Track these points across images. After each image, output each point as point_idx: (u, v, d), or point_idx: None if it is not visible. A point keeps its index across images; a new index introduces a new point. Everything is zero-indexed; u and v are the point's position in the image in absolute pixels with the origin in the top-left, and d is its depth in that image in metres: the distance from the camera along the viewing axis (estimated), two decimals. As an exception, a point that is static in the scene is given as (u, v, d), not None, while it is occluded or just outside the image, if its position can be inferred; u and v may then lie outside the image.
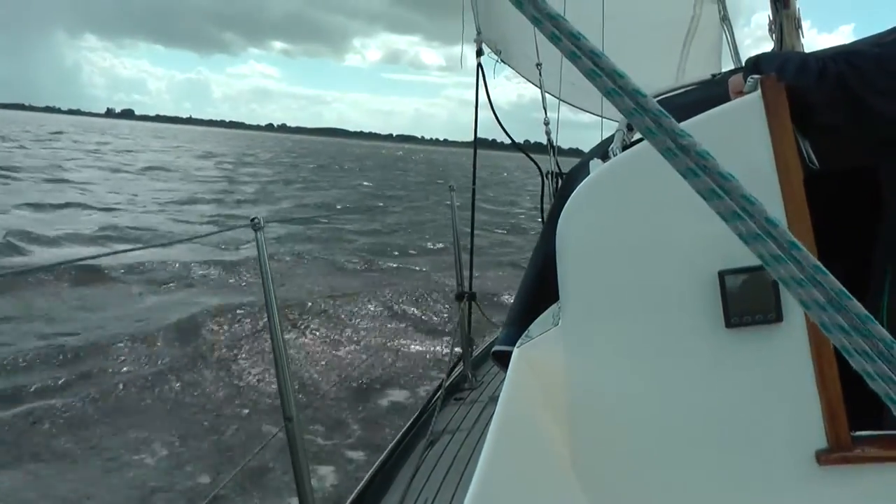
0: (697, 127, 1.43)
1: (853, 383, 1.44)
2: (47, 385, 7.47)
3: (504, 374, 1.68)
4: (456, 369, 5.24)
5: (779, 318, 1.45)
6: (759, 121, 1.46)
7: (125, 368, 8.13)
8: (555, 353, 1.62)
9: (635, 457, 1.59)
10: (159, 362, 8.34)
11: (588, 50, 0.65)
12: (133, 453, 6.26)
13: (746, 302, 1.46)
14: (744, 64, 1.75)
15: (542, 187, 4.66)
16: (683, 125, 0.62)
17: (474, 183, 5.19)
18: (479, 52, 4.97)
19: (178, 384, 7.74)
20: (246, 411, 7.22)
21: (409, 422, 4.45)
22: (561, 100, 5.20)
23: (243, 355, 8.63)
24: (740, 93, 1.58)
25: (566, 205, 1.58)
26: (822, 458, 1.44)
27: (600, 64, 0.64)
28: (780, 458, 1.48)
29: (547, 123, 5.11)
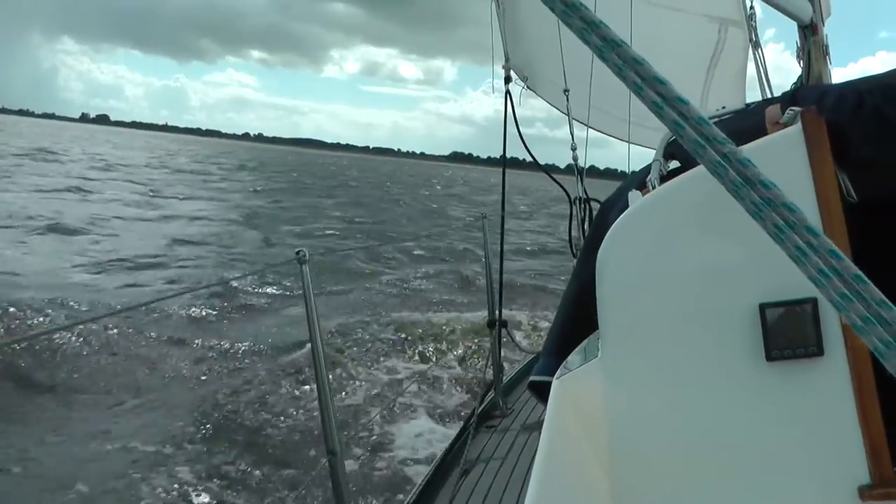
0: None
1: (893, 418, 1.42)
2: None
3: (538, 403, 1.68)
4: (487, 397, 5.25)
5: (820, 351, 1.43)
6: (800, 154, 1.46)
7: (171, 399, 8.29)
8: (595, 386, 1.62)
9: (676, 492, 1.57)
10: (198, 389, 8.47)
11: (630, 58, 0.66)
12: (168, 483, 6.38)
13: (787, 335, 1.44)
14: (779, 95, 1.74)
15: (570, 213, 4.64)
16: None
17: (503, 210, 5.20)
18: (508, 79, 5.00)
19: (218, 414, 7.87)
20: (290, 440, 7.36)
21: (443, 451, 4.45)
22: (589, 126, 5.20)
23: (286, 387, 8.72)
24: (777, 124, 1.58)
25: (606, 236, 1.58)
26: (865, 493, 1.41)
27: (643, 73, 0.65)
28: (822, 494, 1.46)
29: (574, 149, 5.09)
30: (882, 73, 1.77)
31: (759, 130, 1.57)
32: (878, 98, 1.58)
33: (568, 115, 4.99)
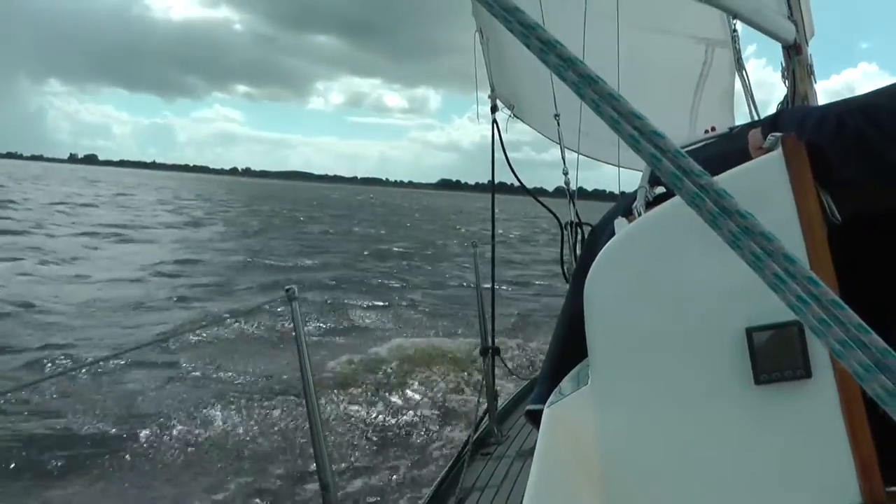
0: (722, 184, 1.45)
1: (884, 438, 1.43)
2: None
3: (533, 429, 1.68)
4: (482, 424, 5.24)
5: (807, 374, 1.44)
6: (782, 179, 1.48)
7: (163, 432, 8.23)
8: (585, 413, 1.63)
9: None
10: (193, 425, 8.43)
11: (607, 93, 0.68)
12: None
13: (774, 358, 1.45)
14: (761, 118, 1.76)
15: (561, 238, 4.65)
16: None
17: (493, 237, 5.22)
18: (494, 109, 5.04)
19: (213, 449, 7.82)
20: (283, 474, 7.29)
21: (438, 480, 4.44)
22: (579, 153, 5.23)
23: (278, 420, 8.68)
24: (760, 149, 1.60)
25: (592, 265, 1.60)
26: None
27: (619, 108, 0.66)
28: None
29: (566, 173, 5.12)
30: (863, 94, 1.80)
31: (742, 154, 1.60)
32: (859, 119, 1.60)
33: (559, 140, 5.02)
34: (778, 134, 1.52)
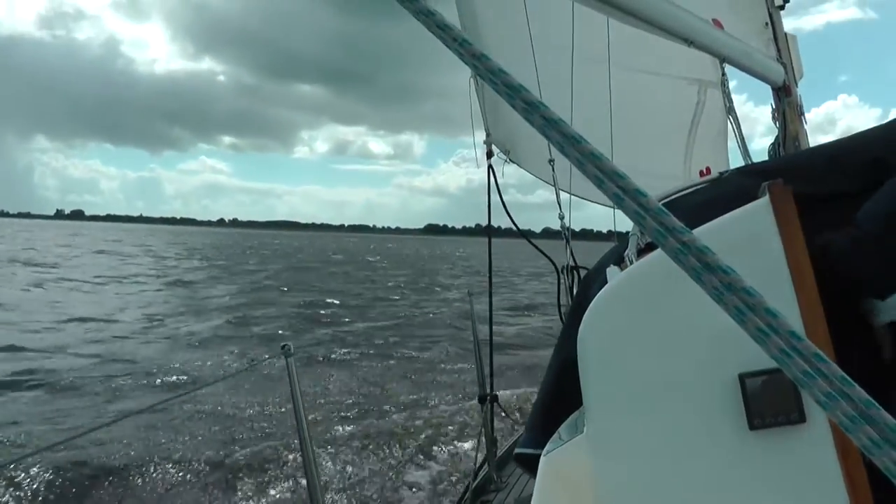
0: (710, 233, 1.47)
1: (880, 482, 1.43)
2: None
3: (528, 475, 1.69)
4: (481, 471, 5.21)
5: (802, 418, 1.44)
6: (770, 226, 1.50)
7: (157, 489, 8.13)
8: (582, 461, 1.62)
9: None
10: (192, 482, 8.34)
11: (589, 153, 0.69)
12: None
13: (768, 403, 1.45)
14: (750, 164, 1.78)
15: (558, 282, 4.65)
16: (697, 231, 0.65)
17: (490, 286, 5.23)
18: (490, 154, 5.07)
19: None
20: None
21: None
22: (573, 194, 5.26)
23: (274, 481, 8.60)
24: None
25: (586, 314, 1.61)
26: None
27: (602, 167, 0.68)
28: None
29: (562, 217, 5.13)
30: (848, 137, 1.83)
31: (732, 199, 1.61)
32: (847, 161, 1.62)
33: (554, 185, 5.03)
34: (766, 183, 1.55)
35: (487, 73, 0.75)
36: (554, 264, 4.75)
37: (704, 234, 1.48)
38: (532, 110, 0.72)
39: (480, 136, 5.10)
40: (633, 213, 0.67)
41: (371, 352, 17.27)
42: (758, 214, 1.51)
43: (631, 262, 1.81)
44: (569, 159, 0.72)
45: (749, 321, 0.65)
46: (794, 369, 0.64)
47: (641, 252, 1.87)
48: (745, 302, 0.64)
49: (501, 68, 0.74)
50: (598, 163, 0.68)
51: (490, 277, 5.21)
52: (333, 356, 16.35)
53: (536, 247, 5.04)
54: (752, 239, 1.50)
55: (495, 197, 4.81)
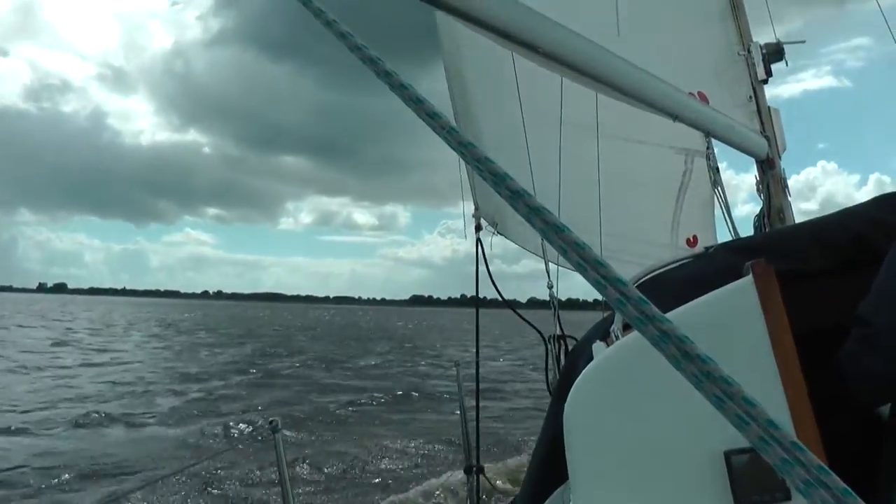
0: (695, 311, 1.49)
1: None
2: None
3: None
4: None
5: (787, 496, 1.44)
6: (753, 304, 1.52)
7: None
8: None
9: None
10: None
11: (573, 242, 0.71)
12: None
13: (754, 481, 1.45)
14: (735, 240, 1.80)
15: (546, 352, 4.63)
16: (681, 310, 0.67)
17: (477, 353, 5.22)
18: (478, 228, 5.12)
19: None
20: None
21: None
22: (560, 265, 5.28)
23: None
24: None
25: (571, 390, 1.62)
26: None
27: (585, 256, 0.70)
28: None
29: (550, 287, 5.14)
30: (831, 213, 1.87)
31: (716, 276, 1.64)
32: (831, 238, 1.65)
33: (543, 255, 5.05)
34: (749, 262, 1.57)
35: (474, 160, 0.78)
36: (541, 334, 4.73)
37: (690, 311, 1.50)
38: (517, 198, 0.74)
39: (469, 206, 5.16)
40: (615, 300, 0.69)
41: (359, 420, 17.03)
42: (741, 293, 1.54)
43: (617, 338, 1.82)
44: (552, 246, 0.74)
45: (728, 409, 0.66)
46: (773, 456, 0.65)
47: (627, 327, 1.88)
48: (723, 391, 0.66)
49: (487, 157, 0.77)
50: (581, 251, 0.70)
51: (477, 348, 5.20)
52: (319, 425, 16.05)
53: (522, 317, 5.03)
54: (735, 318, 1.52)
55: (488, 271, 4.84)
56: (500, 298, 5.08)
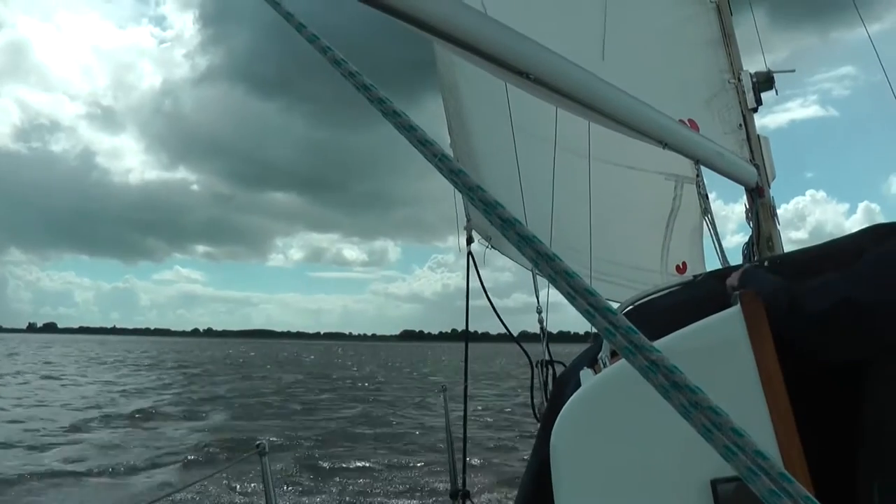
0: (683, 339, 1.50)
1: None
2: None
3: None
4: None
5: None
6: (741, 333, 1.53)
7: None
8: None
9: None
10: None
11: (562, 270, 0.72)
12: None
13: None
14: (729, 266, 1.81)
15: (531, 377, 4.59)
16: (669, 338, 0.67)
17: (466, 376, 5.19)
18: (470, 240, 5.05)
19: None
20: None
21: None
22: (549, 283, 5.24)
23: None
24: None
25: (558, 417, 1.62)
26: None
27: (574, 285, 0.71)
28: None
29: (539, 311, 5.11)
30: (815, 245, 1.89)
31: (704, 303, 1.64)
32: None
33: (532, 274, 5.02)
34: (737, 292, 1.58)
35: (466, 188, 0.78)
36: (529, 358, 4.69)
37: (678, 340, 1.50)
38: (508, 226, 0.75)
39: (461, 219, 5.09)
40: (604, 329, 0.69)
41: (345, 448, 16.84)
42: (729, 323, 1.54)
43: (605, 365, 1.82)
44: (542, 274, 0.74)
45: (717, 439, 0.66)
46: (760, 487, 0.65)
47: (615, 354, 1.89)
48: (711, 421, 0.66)
49: (479, 185, 0.77)
50: (571, 280, 0.71)
51: (466, 371, 5.16)
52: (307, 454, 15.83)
53: (514, 338, 5.00)
54: (724, 346, 1.53)
55: (474, 284, 4.80)
56: (490, 331, 5.05)
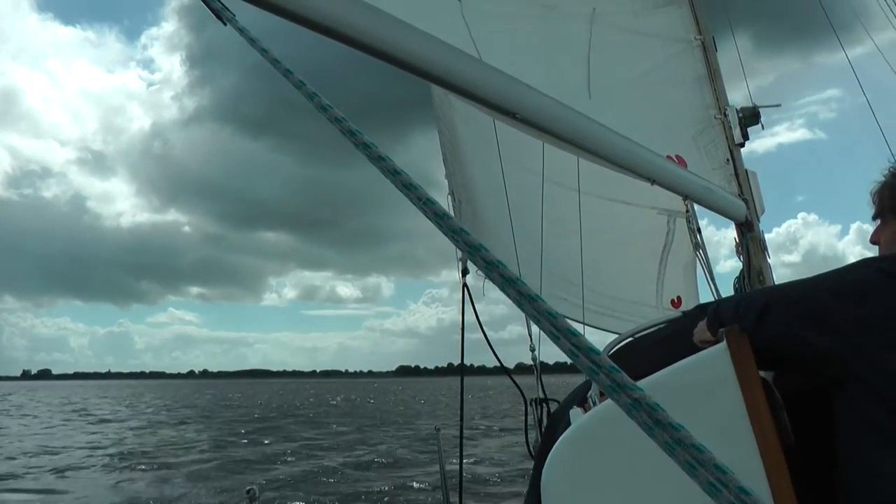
0: (670, 377, 1.51)
1: None
2: None
3: None
4: None
5: None
6: (727, 370, 1.54)
7: None
8: None
9: None
10: None
11: (545, 311, 0.73)
12: None
13: None
14: (712, 301, 1.83)
15: (525, 413, 4.55)
16: (655, 377, 0.68)
17: (461, 415, 5.13)
18: (465, 272, 5.03)
19: None
20: None
21: None
22: (535, 324, 5.21)
23: None
24: (706, 341, 1.66)
25: (549, 456, 1.62)
26: None
27: (557, 325, 0.72)
28: None
29: (532, 349, 5.09)
30: (803, 279, 1.90)
31: (692, 339, 1.65)
32: (782, 308, 1.66)
33: (526, 320, 5.00)
34: (723, 329, 1.59)
35: (450, 232, 0.80)
36: (523, 395, 4.65)
37: (664, 378, 1.51)
38: (491, 268, 0.76)
39: (458, 258, 5.09)
40: (587, 368, 0.70)
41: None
42: (715, 359, 1.55)
43: (594, 403, 1.83)
44: (525, 314, 0.75)
45: (700, 475, 0.67)
46: (747, 524, 0.65)
47: (604, 393, 1.89)
48: (695, 458, 0.67)
49: (463, 228, 0.79)
50: (554, 321, 0.72)
51: (461, 413, 5.11)
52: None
53: (508, 373, 4.96)
54: (710, 383, 1.54)
55: (470, 317, 4.77)
56: (485, 364, 5.03)
